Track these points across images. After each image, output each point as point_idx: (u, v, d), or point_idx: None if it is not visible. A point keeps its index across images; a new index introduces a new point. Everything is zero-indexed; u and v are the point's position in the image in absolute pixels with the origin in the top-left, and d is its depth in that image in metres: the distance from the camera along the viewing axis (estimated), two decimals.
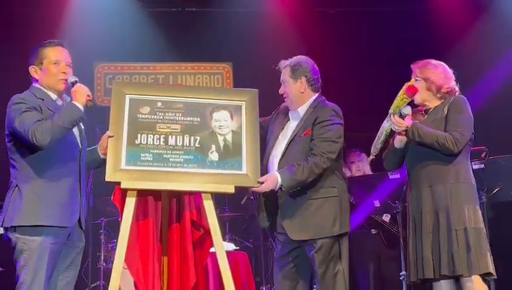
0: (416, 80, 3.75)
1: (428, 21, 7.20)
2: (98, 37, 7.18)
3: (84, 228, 3.55)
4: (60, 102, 3.54)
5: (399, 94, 3.59)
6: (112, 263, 5.80)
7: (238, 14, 7.58)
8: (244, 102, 3.39)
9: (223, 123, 3.34)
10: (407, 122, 3.61)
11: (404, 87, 3.59)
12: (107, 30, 7.32)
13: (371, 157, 3.91)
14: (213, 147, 3.27)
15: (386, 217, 5.68)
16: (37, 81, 3.56)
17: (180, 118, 3.31)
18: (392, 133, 3.72)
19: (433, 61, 3.83)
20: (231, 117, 3.35)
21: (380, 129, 3.76)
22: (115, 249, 5.79)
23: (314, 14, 7.51)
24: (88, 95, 3.42)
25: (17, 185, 3.36)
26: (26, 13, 7.06)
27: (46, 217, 3.31)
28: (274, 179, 3.54)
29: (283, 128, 3.89)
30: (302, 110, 3.84)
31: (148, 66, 7.98)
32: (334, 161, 3.69)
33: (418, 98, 3.78)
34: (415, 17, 7.23)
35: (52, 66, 3.52)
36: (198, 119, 3.31)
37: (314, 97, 3.87)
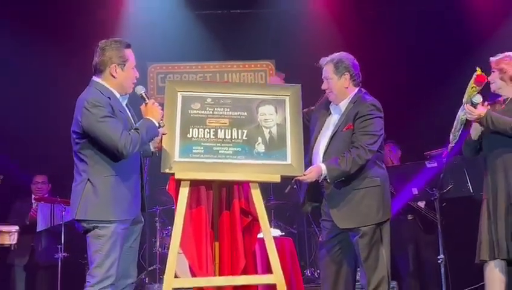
0: (493, 71, 3.79)
1: (461, 19, 7.06)
2: (151, 39, 7.26)
3: (146, 210, 3.63)
4: (121, 100, 3.54)
5: (469, 84, 3.59)
6: (167, 248, 5.92)
7: (280, 14, 7.58)
8: (287, 96, 3.38)
9: (268, 117, 3.34)
10: (479, 110, 3.60)
11: (473, 77, 3.58)
12: (159, 33, 7.42)
13: (451, 145, 3.92)
14: (259, 139, 3.28)
15: (421, 204, 5.64)
16: (99, 76, 3.51)
17: (228, 112, 3.32)
18: (467, 121, 3.71)
19: (511, 54, 3.84)
20: (276, 111, 3.35)
21: (456, 118, 3.77)
22: (170, 235, 5.88)
23: (352, 13, 7.43)
24: (162, 115, 3.38)
25: (88, 180, 3.41)
26: (86, 18, 7.17)
27: (118, 212, 3.37)
28: (319, 170, 3.55)
29: (325, 121, 3.86)
30: (343, 104, 3.82)
31: (197, 66, 8.04)
32: (375, 152, 3.68)
33: (493, 86, 3.83)
34: (450, 16, 7.09)
35: (132, 70, 3.51)
36: (245, 114, 3.32)
37: (355, 91, 3.84)
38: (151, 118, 3.35)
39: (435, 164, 4.80)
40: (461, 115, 3.70)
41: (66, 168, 5.66)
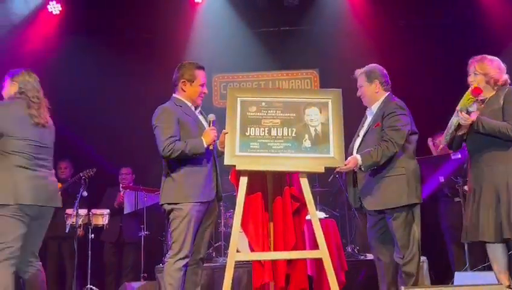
0: (475, 74, 3.61)
1: (484, 30, 6.79)
2: (215, 54, 7.30)
3: (220, 200, 3.76)
4: (193, 107, 3.71)
5: (466, 94, 3.49)
6: (230, 227, 5.95)
7: (322, 30, 7.50)
8: (330, 99, 3.34)
9: (314, 117, 3.31)
10: (473, 117, 3.49)
11: (470, 89, 3.48)
12: (222, 49, 7.46)
13: (443, 144, 3.87)
14: (306, 136, 3.25)
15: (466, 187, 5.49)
16: (180, 92, 3.70)
17: (279, 114, 3.30)
18: (459, 126, 3.62)
19: (488, 57, 3.66)
20: (320, 112, 3.31)
21: (449, 123, 3.68)
22: (232, 217, 5.91)
23: (386, 26, 7.30)
24: (214, 140, 3.53)
25: (169, 171, 3.56)
26: (161, 38, 7.27)
27: (191, 196, 3.51)
28: (355, 160, 3.54)
29: (363, 125, 3.89)
30: (374, 107, 3.83)
31: (253, 75, 8.03)
32: (402, 145, 3.64)
33: None
34: (473, 28, 6.84)
35: (199, 87, 3.71)
36: (294, 115, 3.30)
37: (385, 96, 3.84)
38: (203, 140, 3.51)
39: (459, 156, 4.68)
40: (455, 120, 3.62)
41: (147, 162, 5.77)
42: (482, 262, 5.04)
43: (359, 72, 3.91)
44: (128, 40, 7.35)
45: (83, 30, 7.26)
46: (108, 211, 6.11)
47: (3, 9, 7.15)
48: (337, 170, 3.50)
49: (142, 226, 6.27)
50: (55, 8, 7.51)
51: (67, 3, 7.51)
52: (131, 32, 7.38)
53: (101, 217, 5.98)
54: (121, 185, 6.71)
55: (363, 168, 3.58)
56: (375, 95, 3.83)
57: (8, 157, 3.52)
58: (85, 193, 5.78)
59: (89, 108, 6.96)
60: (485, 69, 3.61)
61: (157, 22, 7.18)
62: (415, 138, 3.78)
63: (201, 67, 3.74)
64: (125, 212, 6.47)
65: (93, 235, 5.91)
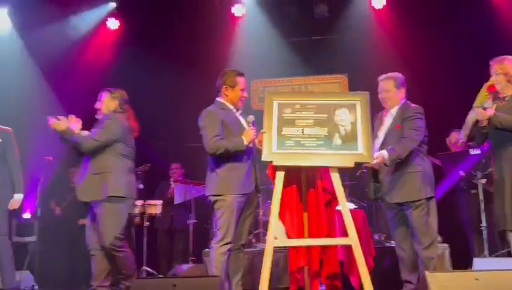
0: (496, 74, 3.52)
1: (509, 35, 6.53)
2: (254, 62, 7.29)
3: (259, 192, 3.80)
4: (234, 110, 3.72)
5: (481, 91, 3.40)
6: (268, 217, 5.94)
7: (351, 38, 7.41)
8: (358, 101, 3.30)
9: (343, 117, 3.27)
10: (489, 112, 3.40)
11: (485, 86, 3.38)
12: (260, 57, 7.46)
13: (462, 140, 3.80)
14: (337, 135, 3.21)
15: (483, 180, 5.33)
16: (222, 96, 3.73)
17: (312, 115, 3.28)
18: (477, 122, 3.53)
19: (509, 57, 3.59)
20: (349, 113, 3.28)
21: (466, 119, 3.61)
22: (269, 207, 5.89)
23: (410, 33, 7.15)
24: (253, 138, 3.56)
25: (213, 166, 3.58)
26: (205, 50, 7.32)
27: (233, 189, 3.54)
28: (382, 156, 3.52)
29: (381, 124, 3.87)
30: (394, 110, 3.83)
31: (287, 80, 7.99)
32: (419, 145, 3.67)
33: (498, 88, 3.58)
34: (497, 33, 6.59)
35: (240, 91, 3.73)
36: (326, 115, 3.27)
37: (403, 101, 3.85)
38: (243, 138, 3.54)
39: (478, 151, 4.55)
40: (472, 116, 3.56)
41: (194, 158, 5.81)
42: (500, 249, 4.89)
43: (385, 78, 3.87)
44: (177, 52, 7.42)
45: (137, 44, 7.38)
46: (161, 201, 6.18)
47: (66, 26, 7.33)
48: (367, 165, 3.51)
49: (190, 215, 6.32)
50: (113, 24, 7.65)
51: (124, 19, 7.64)
52: (179, 44, 7.44)
53: (155, 207, 6.05)
54: (171, 179, 6.78)
55: (388, 163, 3.55)
56: (397, 100, 3.84)
57: (123, 160, 3.93)
58: (141, 186, 5.86)
59: (144, 113, 7.04)
60: (505, 69, 3.53)
61: (202, 35, 7.24)
62: (426, 139, 3.80)
63: (241, 74, 3.76)
64: (175, 203, 6.54)
65: (148, 223, 6.00)
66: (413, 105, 3.83)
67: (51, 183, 6.41)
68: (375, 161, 3.43)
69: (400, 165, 3.64)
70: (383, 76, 3.91)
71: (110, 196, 3.81)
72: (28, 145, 6.51)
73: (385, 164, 3.56)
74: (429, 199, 3.67)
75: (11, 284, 4.36)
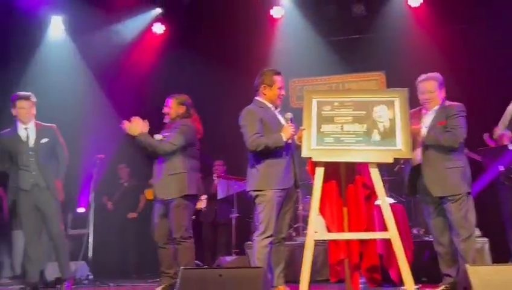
0: None
1: None
2: (292, 61, 7.30)
3: (298, 187, 3.79)
4: (273, 108, 3.73)
5: None
6: (307, 211, 5.92)
7: (388, 36, 7.29)
8: (397, 98, 3.23)
9: (382, 114, 3.21)
10: None
11: None
12: (298, 56, 7.44)
13: (500, 132, 3.74)
14: (375, 131, 3.16)
15: None
16: (261, 95, 3.73)
17: (351, 112, 3.23)
18: None
19: None
20: (387, 109, 3.22)
21: (505, 112, 3.51)
22: (309, 202, 5.87)
23: (446, 30, 6.97)
24: (291, 135, 3.56)
25: (254, 162, 3.61)
26: (245, 50, 7.36)
27: (272, 184, 3.55)
28: (420, 131, 3.62)
29: (420, 122, 3.84)
30: (435, 109, 3.80)
31: (325, 78, 7.92)
32: (460, 143, 3.65)
33: None
34: None
35: (278, 90, 3.73)
36: (364, 112, 3.22)
37: (443, 100, 3.83)
38: (282, 135, 3.54)
39: None
40: (511, 109, 3.48)
41: (236, 155, 5.86)
42: None
43: (426, 79, 3.83)
44: (218, 53, 7.49)
45: (181, 47, 7.49)
46: (205, 196, 6.27)
47: (115, 31, 7.52)
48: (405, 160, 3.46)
49: (233, 209, 6.39)
50: (159, 29, 7.80)
51: (170, 24, 7.78)
52: (221, 46, 7.51)
53: (200, 201, 6.14)
54: (215, 175, 6.86)
55: (425, 140, 3.63)
56: (439, 101, 3.81)
57: (193, 161, 4.21)
58: None
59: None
60: None
61: (242, 37, 7.28)
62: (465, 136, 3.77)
63: (278, 73, 3.76)
64: (218, 198, 6.61)
65: (194, 216, 6.09)
66: (454, 103, 3.80)
67: (103, 180, 6.61)
68: (427, 120, 3.53)
69: (442, 160, 3.65)
70: (423, 77, 3.85)
71: (185, 195, 4.07)
72: (81, 144, 6.73)
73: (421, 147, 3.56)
74: (468, 194, 3.68)
75: (68, 274, 4.52)
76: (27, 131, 4.39)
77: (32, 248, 4.29)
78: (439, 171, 3.65)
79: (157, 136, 4.18)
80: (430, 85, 3.80)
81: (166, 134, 4.20)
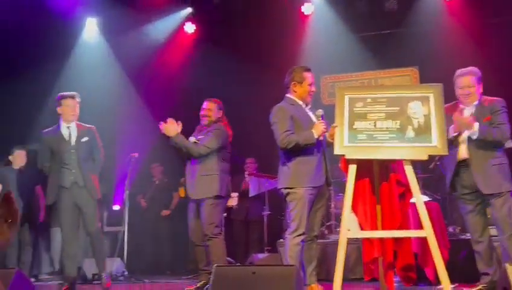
0: None
1: None
2: (323, 57, 7.24)
3: (330, 185, 3.76)
4: (304, 106, 3.71)
5: None
6: (339, 209, 5.88)
7: (421, 30, 7.14)
8: (431, 93, 3.17)
9: (416, 110, 3.16)
10: None
11: None
12: (329, 52, 7.37)
13: None
14: (409, 127, 3.11)
15: None
16: (291, 92, 3.72)
17: (384, 108, 3.19)
18: None
19: None
20: (422, 105, 3.16)
21: None
22: (341, 200, 5.82)
23: (481, 24, 6.78)
24: (323, 132, 3.53)
25: (285, 160, 3.60)
26: (276, 48, 7.35)
27: (304, 181, 3.53)
28: (473, 125, 3.56)
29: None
30: (474, 104, 3.71)
31: (357, 74, 7.83)
32: (506, 139, 3.61)
33: None
34: None
35: (308, 86, 3.70)
36: (398, 108, 3.17)
37: (481, 95, 3.75)
38: (313, 132, 3.51)
39: None
40: None
41: (267, 153, 5.87)
42: None
43: (466, 73, 3.74)
44: (249, 51, 7.50)
45: (211, 46, 7.53)
46: (237, 194, 6.30)
47: (147, 31, 7.63)
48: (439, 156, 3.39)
49: (264, 206, 6.39)
50: (190, 28, 7.87)
51: (200, 23, 7.84)
52: (251, 44, 7.51)
53: (232, 199, 6.16)
54: (246, 173, 6.89)
55: (475, 135, 3.55)
56: (477, 95, 3.72)
57: (224, 163, 4.38)
58: None
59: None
60: None
61: (273, 34, 7.27)
62: None
63: (308, 70, 3.74)
64: (250, 195, 6.63)
65: (225, 214, 6.13)
66: (495, 98, 3.73)
67: (137, 178, 6.73)
68: (465, 120, 3.50)
69: (488, 156, 3.60)
70: (461, 71, 3.77)
71: (217, 195, 4.26)
72: (116, 143, 6.87)
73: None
74: (510, 191, 3.62)
75: (104, 270, 4.63)
76: (69, 130, 4.52)
77: (70, 244, 4.41)
78: (486, 167, 3.59)
79: (192, 139, 4.35)
80: (468, 80, 3.71)
81: (200, 137, 4.35)
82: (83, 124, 4.63)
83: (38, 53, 6.77)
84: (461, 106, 3.75)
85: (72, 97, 4.55)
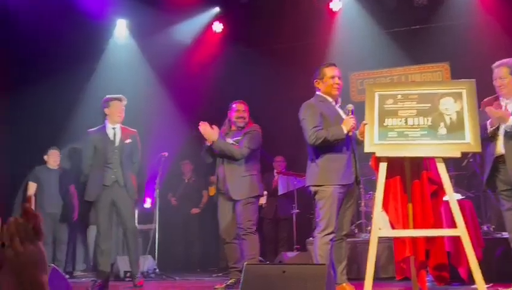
0: None
1: None
2: (351, 54, 7.19)
3: (359, 183, 3.77)
4: (333, 102, 3.69)
5: None
6: (370, 207, 5.81)
7: (452, 25, 6.99)
8: (464, 89, 3.09)
9: (448, 106, 3.08)
10: None
11: None
12: (358, 49, 7.31)
13: None
14: (441, 124, 3.04)
15: None
16: (319, 90, 3.72)
17: (415, 105, 3.12)
18: None
19: None
20: (454, 101, 3.09)
21: None
22: (371, 199, 5.76)
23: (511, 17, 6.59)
24: (353, 127, 3.51)
25: (314, 157, 3.58)
26: (304, 45, 7.32)
27: (333, 179, 3.51)
28: (509, 115, 3.49)
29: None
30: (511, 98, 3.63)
31: (387, 71, 7.73)
32: None
33: None
34: None
35: (329, 79, 3.66)
36: (429, 105, 3.10)
37: None
38: (343, 127, 3.50)
39: None
40: None
41: (296, 151, 5.87)
42: None
43: (499, 65, 3.66)
44: (277, 49, 7.50)
45: (239, 44, 7.57)
46: (266, 192, 6.31)
47: (176, 32, 7.70)
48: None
49: (293, 205, 6.38)
50: (218, 27, 7.92)
51: (228, 22, 7.87)
52: (279, 42, 7.51)
53: (261, 197, 6.18)
54: (275, 171, 6.89)
55: (509, 128, 3.49)
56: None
57: (258, 163, 4.55)
58: None
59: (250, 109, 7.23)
60: None
61: (301, 32, 7.25)
62: None
63: (328, 65, 3.75)
64: (279, 193, 6.63)
65: None
66: None
67: (167, 177, 6.82)
68: (500, 114, 3.42)
69: None
70: (497, 63, 3.71)
71: (257, 195, 4.44)
72: (146, 143, 6.97)
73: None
74: None
75: (137, 268, 4.73)
76: (114, 131, 4.71)
77: (105, 241, 4.53)
78: None
79: (229, 140, 4.45)
80: (500, 71, 3.65)
81: (237, 138, 4.44)
82: (126, 127, 4.83)
83: (71, 55, 6.92)
84: (501, 98, 3.67)
85: (120, 100, 4.75)
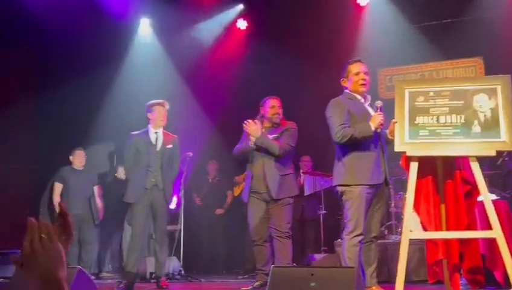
0: None
1: None
2: (379, 50, 7.11)
3: (388, 184, 3.72)
4: (362, 100, 3.66)
5: None
6: (400, 208, 5.74)
7: (484, 18, 6.84)
8: (499, 85, 3.03)
9: (482, 103, 3.03)
10: None
11: None
12: (386, 44, 7.22)
13: None
14: (475, 122, 2.99)
15: None
16: (346, 88, 3.70)
17: (447, 102, 3.07)
18: None
19: None
20: (489, 98, 3.03)
21: None
22: (401, 199, 5.69)
23: None
24: (381, 124, 3.46)
25: (341, 157, 3.56)
26: (331, 41, 7.27)
27: (361, 179, 3.47)
28: None
29: None
30: None
31: (417, 67, 7.61)
32: None
33: None
34: None
35: (354, 76, 3.63)
36: (462, 102, 3.05)
37: None
38: (371, 124, 3.45)
39: None
40: None
41: (323, 150, 5.84)
42: None
43: None
44: (303, 45, 7.47)
45: (264, 41, 7.56)
46: None
47: (200, 30, 7.77)
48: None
49: (320, 205, 6.35)
50: (242, 25, 7.95)
51: (252, 19, 7.89)
52: (305, 38, 7.48)
53: None
54: (301, 171, 6.87)
55: None
56: None
57: (293, 162, 4.53)
58: None
59: None
60: None
61: (327, 27, 7.20)
62: None
63: (353, 61, 3.71)
64: (305, 194, 6.61)
65: None
66: None
67: (192, 177, 6.87)
68: None
69: None
70: None
71: (296, 194, 4.47)
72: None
73: None
74: None
75: (163, 270, 4.81)
76: (156, 135, 4.85)
77: (139, 242, 4.65)
78: None
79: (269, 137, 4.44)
80: None
81: (274, 135, 4.41)
82: (168, 132, 4.95)
83: (95, 56, 7.05)
84: None
85: (162, 105, 4.87)
